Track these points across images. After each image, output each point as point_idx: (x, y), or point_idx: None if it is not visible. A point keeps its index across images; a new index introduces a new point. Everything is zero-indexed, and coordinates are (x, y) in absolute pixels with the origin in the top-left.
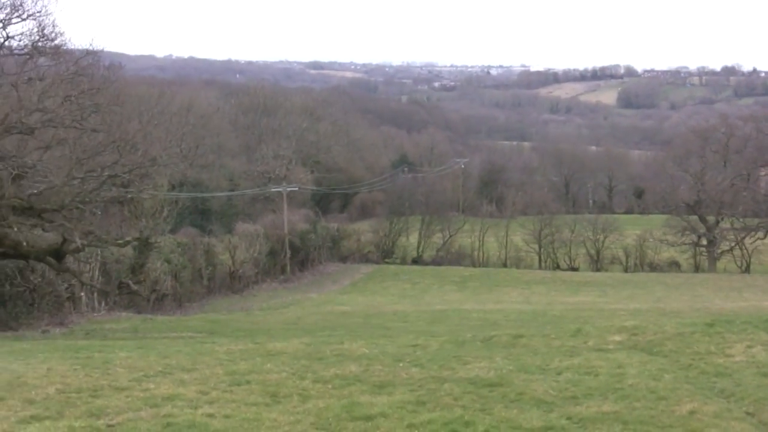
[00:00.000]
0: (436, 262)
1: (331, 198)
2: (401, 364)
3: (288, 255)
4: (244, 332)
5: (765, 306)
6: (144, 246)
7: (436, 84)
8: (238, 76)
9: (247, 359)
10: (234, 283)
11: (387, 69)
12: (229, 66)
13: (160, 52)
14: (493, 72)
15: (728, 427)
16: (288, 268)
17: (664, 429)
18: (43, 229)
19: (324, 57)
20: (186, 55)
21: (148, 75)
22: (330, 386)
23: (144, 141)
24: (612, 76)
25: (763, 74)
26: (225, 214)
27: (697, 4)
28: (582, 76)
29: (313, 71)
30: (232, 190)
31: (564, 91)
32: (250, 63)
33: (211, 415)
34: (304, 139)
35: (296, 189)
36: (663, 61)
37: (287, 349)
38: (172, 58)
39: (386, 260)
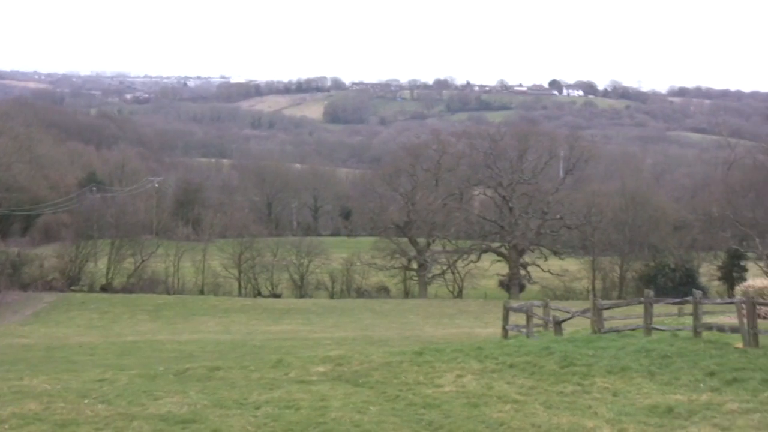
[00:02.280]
0: (128, 289)
1: (11, 220)
2: (86, 401)
3: None
4: None
5: (477, 333)
6: None
7: (129, 96)
8: None
9: None
10: None
11: (74, 79)
12: None
13: None
14: (191, 83)
15: None
16: None
17: None
18: None
19: (4, 66)
20: None
21: None
22: (7, 426)
23: None
24: (318, 89)
25: (476, 88)
26: None
27: (406, 16)
28: (286, 89)
29: None
30: None
31: (267, 105)
32: None
33: None
34: None
35: None
36: (373, 74)
37: None
38: None
39: (72, 288)
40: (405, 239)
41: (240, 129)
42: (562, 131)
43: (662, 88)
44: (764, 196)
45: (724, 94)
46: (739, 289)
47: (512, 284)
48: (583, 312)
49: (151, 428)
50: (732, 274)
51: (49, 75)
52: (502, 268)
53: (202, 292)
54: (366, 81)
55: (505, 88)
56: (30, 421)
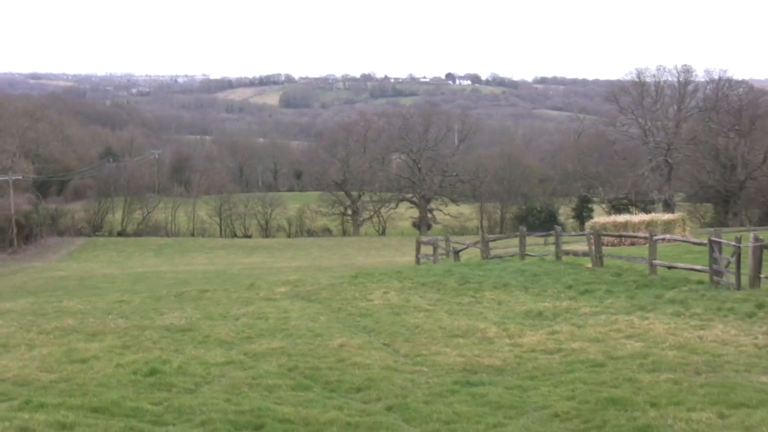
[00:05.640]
0: (137, 234)
1: (49, 184)
2: (110, 317)
3: (14, 231)
4: None
5: (397, 261)
6: None
7: (134, 90)
8: None
9: None
10: None
11: (93, 78)
12: None
13: None
14: (180, 80)
15: (370, 355)
16: (15, 242)
17: (320, 359)
18: None
19: (41, 68)
20: None
21: None
22: (52, 336)
23: None
24: (275, 82)
25: (392, 80)
26: None
27: (337, 22)
28: (251, 83)
29: (32, 81)
30: None
31: (237, 95)
32: None
33: None
34: (26, 136)
35: (20, 177)
36: (315, 70)
37: (15, 308)
38: None
39: (96, 233)
40: (342, 193)
41: (217, 113)
42: (456, 111)
43: (529, 78)
44: (605, 156)
45: (574, 82)
46: (588, 224)
47: (422, 224)
48: (475, 244)
49: (158, 335)
50: (582, 213)
51: (74, 75)
52: (414, 212)
53: (192, 235)
54: (310, 75)
55: (413, 79)
56: (69, 332)
